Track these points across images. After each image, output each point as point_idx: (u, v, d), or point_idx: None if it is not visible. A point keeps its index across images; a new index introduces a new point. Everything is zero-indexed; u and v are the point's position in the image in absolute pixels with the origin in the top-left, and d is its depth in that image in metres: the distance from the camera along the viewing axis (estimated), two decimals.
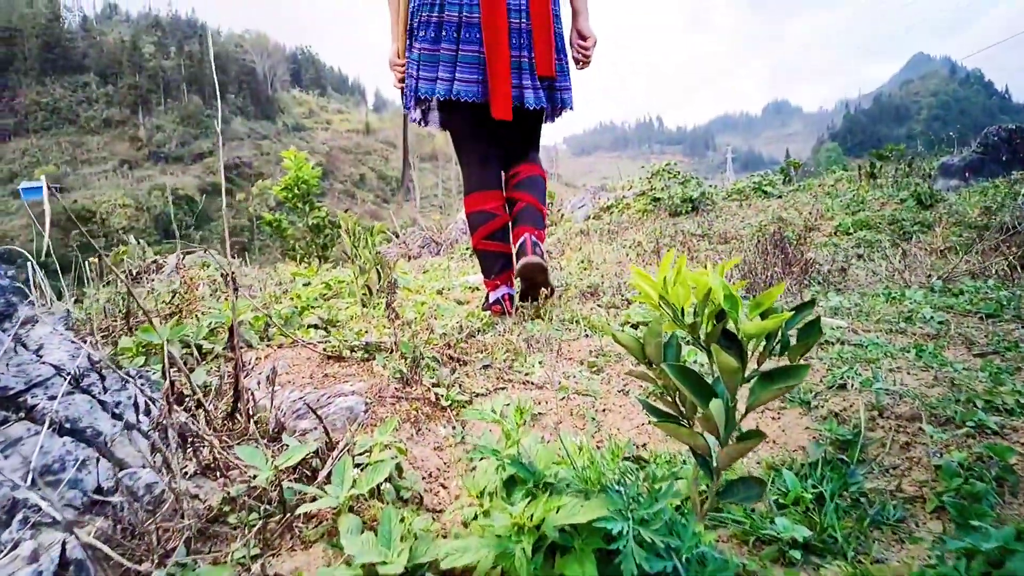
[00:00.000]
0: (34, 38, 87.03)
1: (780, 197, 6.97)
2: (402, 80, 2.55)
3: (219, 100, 1.47)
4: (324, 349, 1.86)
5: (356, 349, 1.86)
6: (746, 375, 0.97)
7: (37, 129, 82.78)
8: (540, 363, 1.87)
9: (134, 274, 5.23)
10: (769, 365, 1.03)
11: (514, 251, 2.45)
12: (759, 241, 4.56)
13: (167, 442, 1.05)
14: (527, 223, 2.43)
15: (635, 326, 2.42)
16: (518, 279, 2.42)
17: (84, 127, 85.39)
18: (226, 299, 2.65)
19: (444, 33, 2.33)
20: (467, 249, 5.56)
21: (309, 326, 2.41)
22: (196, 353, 1.87)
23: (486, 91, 2.34)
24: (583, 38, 2.54)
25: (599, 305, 2.85)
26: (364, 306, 2.95)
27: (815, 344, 1.06)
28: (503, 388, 1.69)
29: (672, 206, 6.51)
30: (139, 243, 6.95)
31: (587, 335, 2.29)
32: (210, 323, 1.97)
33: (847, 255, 4.01)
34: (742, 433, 0.98)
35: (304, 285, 3.31)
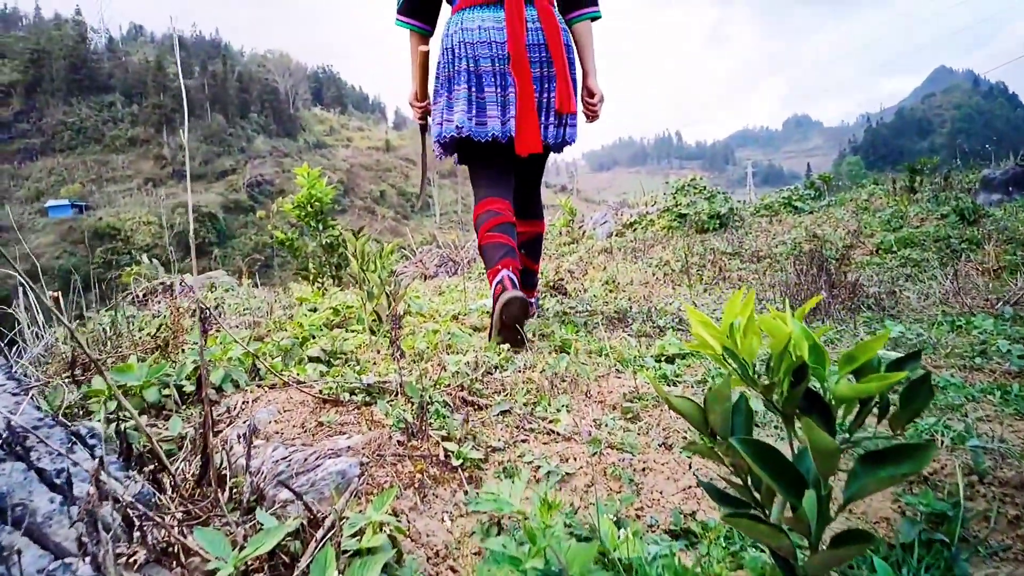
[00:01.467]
0: (61, 59, 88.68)
1: (812, 213, 6.69)
2: (421, 117, 2.83)
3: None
4: (320, 391, 1.63)
5: (356, 391, 1.63)
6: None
7: (63, 148, 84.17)
8: (566, 407, 1.64)
9: (141, 296, 5.06)
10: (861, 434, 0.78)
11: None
12: (796, 260, 4.30)
13: (95, 535, 0.82)
14: (523, 285, 2.66)
15: (670, 359, 2.18)
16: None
17: (109, 146, 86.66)
18: (216, 331, 2.45)
19: (472, 80, 2.55)
20: (485, 269, 5.34)
21: (310, 359, 2.20)
22: (176, 396, 1.65)
23: (507, 129, 2.54)
24: (591, 95, 2.77)
25: (628, 334, 2.61)
26: (373, 333, 2.73)
27: (924, 409, 0.82)
28: (524, 440, 1.46)
29: (699, 222, 6.25)
30: (152, 262, 6.82)
31: (618, 370, 2.05)
32: (196, 360, 1.75)
33: (893, 275, 3.73)
34: (840, 535, 0.73)
35: (310, 311, 3.10)
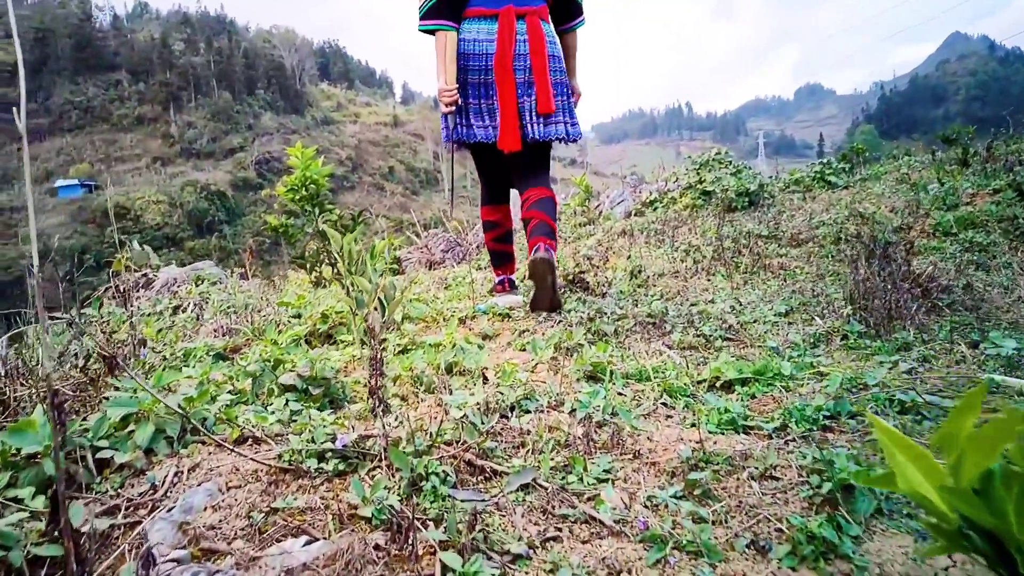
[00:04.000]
0: (66, 38, 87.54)
1: (847, 187, 6.19)
2: (449, 105, 2.93)
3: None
4: (280, 457, 1.22)
5: (326, 457, 1.22)
6: None
7: (71, 128, 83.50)
8: (609, 474, 1.22)
9: (122, 291, 4.66)
10: None
11: (530, 257, 2.76)
12: (844, 245, 3.83)
13: None
14: (540, 235, 2.82)
15: (726, 385, 1.75)
16: (530, 279, 2.74)
17: (117, 125, 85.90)
18: (159, 355, 2.03)
19: (467, 89, 2.92)
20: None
21: (283, 388, 1.78)
22: (91, 462, 1.24)
23: (491, 134, 2.90)
24: (572, 93, 3.14)
25: (669, 346, 2.18)
26: (364, 345, 2.32)
27: None
28: (555, 537, 1.04)
29: (726, 200, 5.77)
30: (143, 248, 6.42)
31: (665, 404, 1.62)
32: (126, 412, 1.34)
33: (958, 263, 3.27)
34: None
35: (294, 318, 2.68)
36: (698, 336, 2.27)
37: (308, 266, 4.95)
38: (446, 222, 7.46)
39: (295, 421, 1.56)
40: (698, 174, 6.51)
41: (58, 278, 2.53)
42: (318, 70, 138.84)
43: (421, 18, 2.91)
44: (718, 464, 1.23)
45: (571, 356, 2.09)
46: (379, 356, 1.22)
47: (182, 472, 1.23)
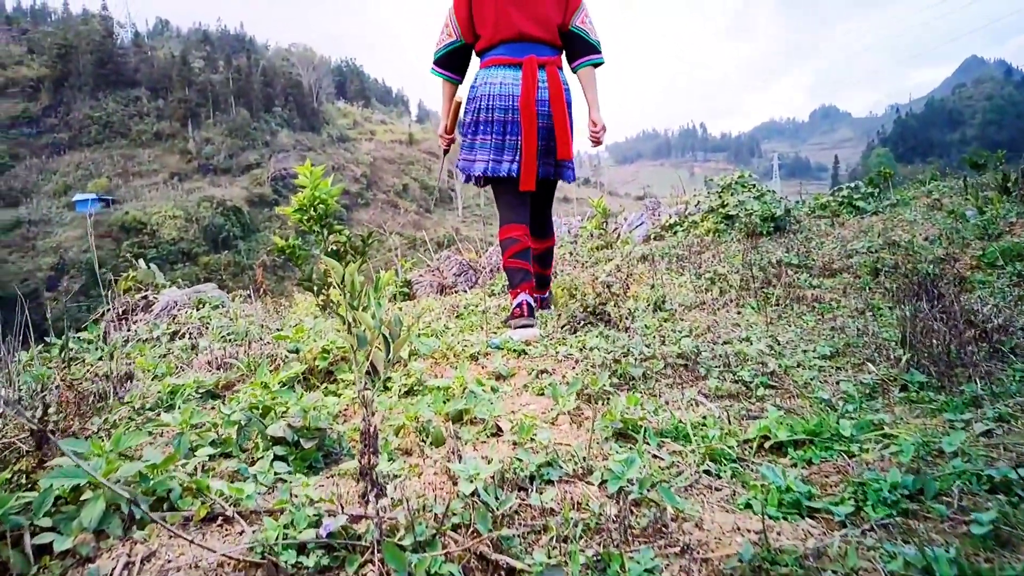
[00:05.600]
0: (88, 54, 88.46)
1: (876, 213, 5.95)
2: (446, 145, 3.52)
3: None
4: (251, 549, 1.00)
5: (308, 549, 1.00)
6: None
7: (90, 143, 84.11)
8: (651, 575, 0.99)
9: (120, 313, 4.48)
10: None
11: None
12: (884, 277, 3.59)
13: None
14: (537, 287, 3.43)
15: (778, 447, 1.52)
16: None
17: (135, 140, 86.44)
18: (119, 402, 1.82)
19: (493, 127, 3.16)
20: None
21: (272, 441, 1.57)
22: (28, 546, 1.03)
23: (517, 167, 3.14)
24: (594, 125, 3.34)
25: (706, 395, 1.95)
26: (368, 387, 2.11)
27: None
28: None
29: (750, 225, 5.54)
30: (149, 267, 6.26)
31: (708, 472, 1.40)
32: (76, 483, 1.13)
33: (1009, 299, 3.02)
34: None
35: (291, 352, 2.47)
36: (736, 382, 2.05)
37: (315, 289, 4.75)
38: (459, 242, 7.28)
39: (280, 485, 1.35)
40: (720, 197, 6.28)
41: (44, 304, 2.35)
42: (335, 88, 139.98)
43: (433, 63, 3.33)
44: (787, 566, 1.00)
45: (596, 404, 1.87)
46: (372, 430, 1.00)
47: (133, 563, 1.01)
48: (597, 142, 3.41)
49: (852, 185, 6.66)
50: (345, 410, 2.02)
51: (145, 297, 4.46)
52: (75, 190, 73.51)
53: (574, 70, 3.32)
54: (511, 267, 3.19)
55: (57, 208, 70.72)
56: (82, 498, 1.16)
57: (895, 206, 6.11)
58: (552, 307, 3.64)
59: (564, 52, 3.30)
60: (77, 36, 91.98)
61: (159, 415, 1.77)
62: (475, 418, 1.77)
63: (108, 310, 4.34)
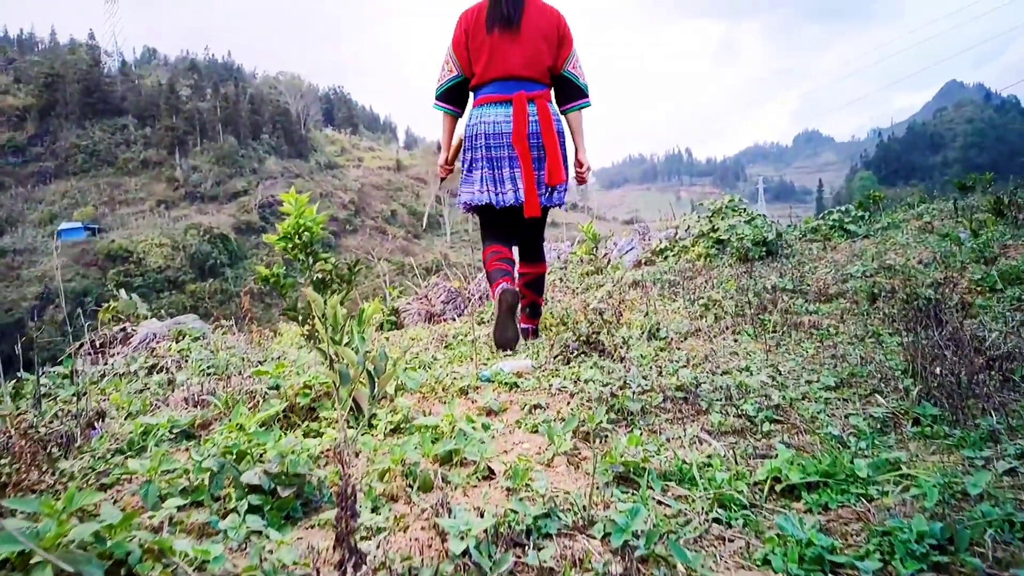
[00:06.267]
0: (75, 83, 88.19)
1: (867, 237, 5.92)
2: (444, 175, 3.74)
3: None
4: None
5: None
6: None
7: (76, 171, 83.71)
8: None
9: (98, 346, 4.34)
10: None
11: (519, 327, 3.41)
12: (882, 303, 3.52)
13: None
14: (526, 315, 3.62)
15: (792, 490, 1.42)
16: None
17: (122, 168, 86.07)
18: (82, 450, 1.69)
19: (490, 162, 3.35)
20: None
21: (247, 490, 1.46)
22: None
23: (518, 198, 3.31)
24: (580, 165, 3.58)
25: (709, 431, 1.85)
26: (351, 425, 2.01)
27: None
28: None
29: (741, 249, 5.49)
30: (130, 297, 6.10)
31: (718, 519, 1.29)
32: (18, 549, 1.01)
33: (1010, 323, 2.95)
34: None
35: (271, 389, 2.35)
36: (739, 416, 1.95)
37: (300, 319, 4.63)
38: (447, 268, 7.18)
39: (254, 540, 1.23)
40: (711, 222, 6.24)
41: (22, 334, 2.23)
42: (323, 115, 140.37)
43: (436, 98, 3.49)
44: None
45: (594, 443, 1.77)
46: (350, 491, 0.89)
47: None
48: (582, 181, 3.68)
49: (843, 208, 6.63)
50: (328, 451, 1.90)
51: (124, 329, 4.33)
52: (61, 219, 73.07)
53: (564, 113, 3.50)
54: (493, 268, 3.37)
55: (43, 237, 70.17)
56: (32, 561, 1.05)
57: (886, 229, 6.08)
58: (540, 335, 3.68)
59: (554, 92, 3.48)
60: (64, 65, 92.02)
61: (127, 460, 1.65)
62: (465, 459, 1.66)
63: (83, 343, 4.19)
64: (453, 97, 3.48)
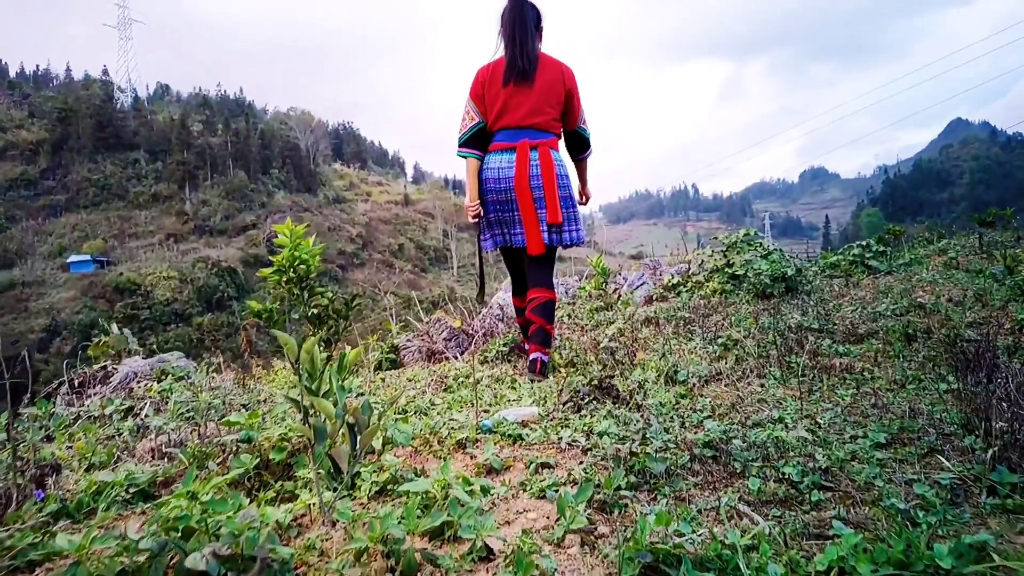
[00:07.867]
0: (88, 118, 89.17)
1: (890, 272, 5.65)
2: (475, 217, 3.72)
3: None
4: None
5: None
6: None
7: (87, 205, 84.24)
8: None
9: (76, 385, 4.08)
10: None
11: (527, 367, 3.63)
12: (921, 345, 3.25)
13: None
14: (537, 342, 3.55)
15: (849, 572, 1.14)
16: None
17: (132, 202, 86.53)
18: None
19: (501, 207, 3.65)
20: (503, 345, 4.33)
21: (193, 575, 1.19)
22: None
23: (523, 239, 3.61)
24: (582, 197, 4.06)
25: (748, 502, 1.58)
26: (329, 487, 1.75)
27: None
28: None
29: (758, 285, 5.23)
30: (122, 332, 5.86)
31: None
32: None
33: None
34: None
35: (243, 443, 2.09)
36: (780, 480, 1.67)
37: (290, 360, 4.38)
38: (450, 303, 6.93)
39: None
40: (725, 256, 5.98)
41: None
42: (332, 150, 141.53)
43: (459, 146, 3.68)
44: None
45: (612, 515, 1.49)
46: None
47: None
48: (584, 203, 4.07)
49: (864, 243, 6.37)
50: (302, 517, 1.64)
51: (104, 367, 4.07)
52: (70, 251, 73.34)
53: (575, 161, 3.98)
54: (525, 325, 3.75)
55: (52, 269, 70.38)
56: None
57: (909, 265, 5.82)
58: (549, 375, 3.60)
59: (566, 144, 3.85)
60: (77, 100, 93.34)
61: (53, 538, 1.39)
62: (459, 535, 1.40)
63: (62, 382, 3.94)
64: (475, 142, 3.66)
